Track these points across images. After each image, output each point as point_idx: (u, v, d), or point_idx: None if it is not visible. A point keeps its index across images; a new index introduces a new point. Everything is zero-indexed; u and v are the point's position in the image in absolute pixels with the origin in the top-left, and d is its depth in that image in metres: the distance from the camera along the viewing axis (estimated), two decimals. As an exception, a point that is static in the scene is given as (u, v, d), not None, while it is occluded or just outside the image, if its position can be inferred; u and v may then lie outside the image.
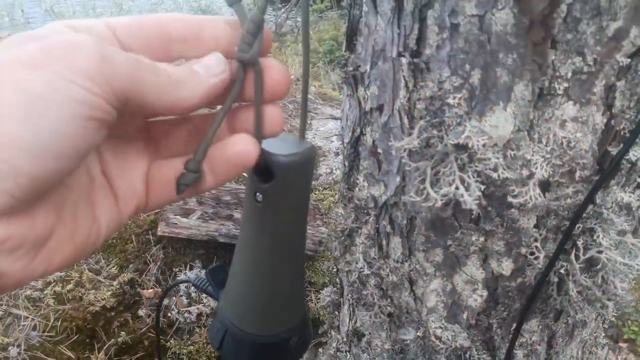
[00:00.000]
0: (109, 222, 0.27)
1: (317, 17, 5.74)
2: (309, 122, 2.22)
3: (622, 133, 0.43)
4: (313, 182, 1.73)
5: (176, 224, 1.38)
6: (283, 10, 5.89)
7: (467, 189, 0.43)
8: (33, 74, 0.22)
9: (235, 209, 1.48)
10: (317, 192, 1.70)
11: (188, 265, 1.40)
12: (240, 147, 0.29)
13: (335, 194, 1.73)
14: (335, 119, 2.37)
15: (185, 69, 0.27)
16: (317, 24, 5.75)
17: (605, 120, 0.43)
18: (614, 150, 0.44)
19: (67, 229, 0.24)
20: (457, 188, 0.43)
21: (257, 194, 0.38)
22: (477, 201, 0.43)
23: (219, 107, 0.31)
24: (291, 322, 0.46)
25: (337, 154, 1.95)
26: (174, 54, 0.29)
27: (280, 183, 0.37)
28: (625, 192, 0.47)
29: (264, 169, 0.36)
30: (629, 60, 0.40)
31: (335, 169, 1.85)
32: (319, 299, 1.38)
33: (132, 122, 0.30)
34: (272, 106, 0.31)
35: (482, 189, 0.44)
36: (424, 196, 0.45)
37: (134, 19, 0.28)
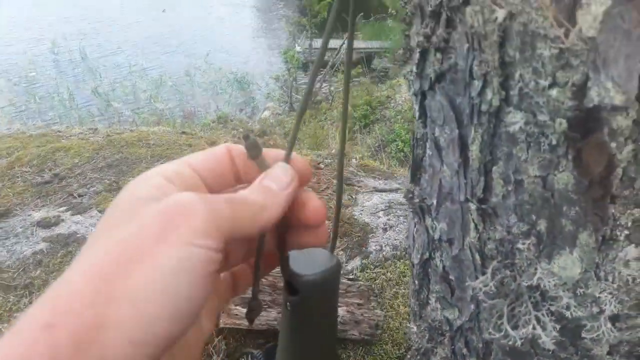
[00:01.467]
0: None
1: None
2: (353, 196, 2.28)
3: (685, 269, 0.47)
4: (364, 261, 1.77)
5: (237, 314, 1.43)
6: (319, 77, 6.09)
7: (543, 328, 0.47)
8: (162, 248, 0.25)
9: (292, 294, 1.52)
10: (368, 271, 1.74)
11: (249, 355, 1.43)
12: None
13: (387, 271, 1.76)
14: (379, 191, 2.42)
15: (260, 188, 0.31)
16: (350, 89, 5.91)
17: (667, 258, 0.46)
18: (679, 284, 0.47)
19: None
20: (534, 328, 0.47)
21: (287, 303, 0.42)
22: (554, 340, 0.47)
23: None
24: None
25: (385, 230, 1.99)
26: (241, 175, 0.34)
27: (303, 298, 0.41)
28: (694, 317, 0.49)
29: (290, 285, 0.40)
30: (685, 209, 0.44)
31: (385, 246, 1.88)
32: (378, 383, 1.39)
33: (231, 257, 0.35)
34: (314, 201, 0.35)
35: (558, 328, 0.48)
36: (502, 333, 0.49)
37: (208, 154, 0.33)
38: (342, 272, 1.69)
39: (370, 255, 1.81)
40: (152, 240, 0.25)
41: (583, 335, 0.48)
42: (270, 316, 1.43)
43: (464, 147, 0.50)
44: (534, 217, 0.47)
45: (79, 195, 2.11)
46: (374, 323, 1.48)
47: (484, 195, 0.50)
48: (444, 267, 0.59)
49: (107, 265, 0.24)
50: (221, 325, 1.42)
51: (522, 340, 0.48)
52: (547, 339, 0.46)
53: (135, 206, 0.27)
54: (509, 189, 0.48)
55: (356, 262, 1.75)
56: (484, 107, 0.46)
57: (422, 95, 0.55)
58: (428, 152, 0.57)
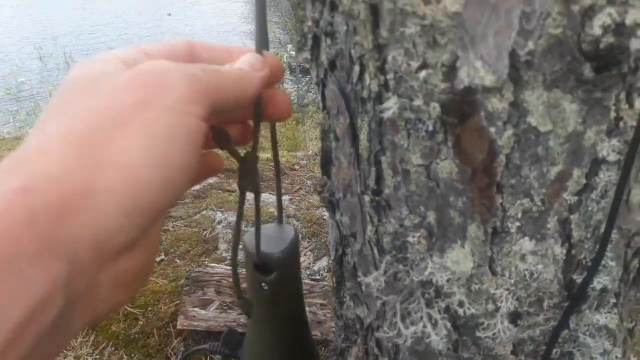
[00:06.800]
0: None
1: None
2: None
3: (584, 262, 0.44)
4: (332, 262, 1.74)
5: (194, 316, 1.40)
6: (304, 82, 6.04)
7: (434, 326, 0.44)
8: (148, 114, 0.23)
9: (254, 295, 1.49)
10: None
11: (208, 357, 1.40)
12: None
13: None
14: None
15: (236, 68, 0.30)
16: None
17: (565, 250, 0.44)
18: (579, 279, 0.44)
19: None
20: (424, 326, 0.44)
21: (263, 284, 0.45)
22: (445, 340, 0.44)
23: None
24: None
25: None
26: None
27: (280, 274, 0.45)
28: (601, 313, 0.47)
29: (264, 265, 0.44)
30: (576, 197, 0.41)
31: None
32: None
33: None
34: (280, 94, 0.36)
35: (451, 325, 0.45)
36: (395, 331, 0.46)
37: (166, 46, 0.31)
38: (308, 273, 1.67)
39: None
40: (134, 106, 0.23)
41: (477, 334, 0.45)
42: (229, 317, 1.40)
43: (355, 138, 0.48)
44: (422, 208, 0.45)
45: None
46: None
47: (378, 186, 0.48)
48: (353, 263, 0.56)
49: (88, 131, 0.22)
50: (179, 327, 1.39)
51: (413, 340, 0.45)
52: (437, 338, 0.43)
53: (99, 79, 0.24)
54: (398, 179, 0.45)
55: (323, 262, 1.72)
56: (364, 94, 0.43)
57: (322, 84, 0.52)
58: (333, 144, 0.54)
